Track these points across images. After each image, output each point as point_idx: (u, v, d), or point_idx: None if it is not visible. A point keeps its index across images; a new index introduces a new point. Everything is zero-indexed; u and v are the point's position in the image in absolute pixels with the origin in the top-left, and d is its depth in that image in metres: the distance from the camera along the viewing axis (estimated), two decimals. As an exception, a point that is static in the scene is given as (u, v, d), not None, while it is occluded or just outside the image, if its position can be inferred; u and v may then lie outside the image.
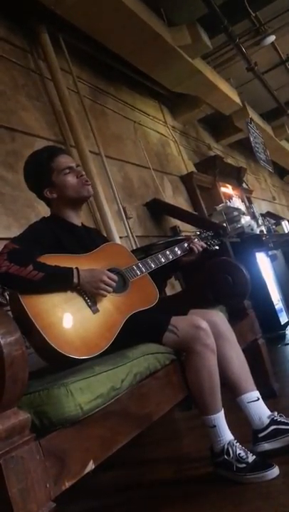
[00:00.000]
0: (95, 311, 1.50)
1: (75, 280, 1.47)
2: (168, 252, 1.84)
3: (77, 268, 1.48)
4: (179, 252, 1.88)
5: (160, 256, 1.81)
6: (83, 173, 1.79)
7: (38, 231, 1.64)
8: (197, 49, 4.67)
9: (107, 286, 1.51)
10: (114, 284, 1.54)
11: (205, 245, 1.95)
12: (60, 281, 1.46)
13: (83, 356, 1.35)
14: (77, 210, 1.82)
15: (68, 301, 1.46)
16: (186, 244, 1.91)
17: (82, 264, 1.54)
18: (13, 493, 0.85)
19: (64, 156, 1.79)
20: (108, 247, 1.80)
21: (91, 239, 1.81)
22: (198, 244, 1.92)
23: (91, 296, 1.52)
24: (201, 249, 1.92)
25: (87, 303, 1.49)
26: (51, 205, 1.81)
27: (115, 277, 1.56)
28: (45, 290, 1.42)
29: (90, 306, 1.49)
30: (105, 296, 1.53)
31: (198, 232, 2.04)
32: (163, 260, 1.81)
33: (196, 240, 1.94)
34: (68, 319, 1.42)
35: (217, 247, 2.05)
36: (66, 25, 3.66)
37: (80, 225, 1.83)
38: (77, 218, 1.82)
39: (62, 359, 1.33)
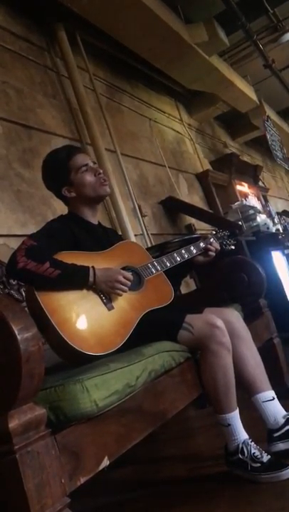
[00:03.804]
0: (110, 308, 1.50)
1: (91, 279, 1.47)
2: (183, 251, 1.83)
3: (93, 267, 1.49)
4: (194, 252, 1.86)
5: (176, 255, 1.80)
6: (101, 171, 1.79)
7: (56, 228, 1.65)
8: (214, 46, 4.65)
9: (122, 286, 1.51)
10: (129, 283, 1.54)
11: (219, 247, 1.93)
12: (76, 279, 1.46)
13: (98, 353, 1.36)
14: (94, 208, 1.81)
15: (84, 298, 1.46)
16: (202, 244, 1.89)
17: (97, 262, 1.54)
18: (28, 488, 0.86)
19: (81, 155, 1.79)
20: (124, 245, 1.81)
21: (107, 237, 1.81)
22: (215, 246, 1.90)
23: (107, 292, 1.52)
24: (217, 250, 1.91)
25: (102, 300, 1.50)
26: (69, 204, 1.81)
27: (131, 277, 1.56)
28: (61, 287, 1.43)
29: (105, 304, 1.50)
30: (121, 295, 1.53)
31: (214, 232, 2.02)
32: (178, 259, 1.79)
33: (212, 240, 1.92)
34: (84, 316, 1.42)
35: (233, 247, 2.03)
36: (83, 23, 3.67)
37: (96, 223, 1.83)
38: (94, 217, 1.82)
39: (77, 355, 1.34)
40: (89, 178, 1.74)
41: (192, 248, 1.86)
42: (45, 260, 1.40)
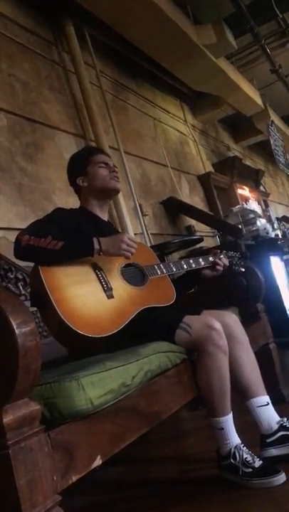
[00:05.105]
0: (110, 296, 1.51)
1: (96, 246, 1.49)
2: (191, 261, 1.85)
3: (97, 237, 1.51)
4: (202, 263, 1.88)
5: (183, 263, 1.82)
6: (116, 169, 1.86)
7: (59, 216, 1.67)
8: (222, 48, 4.65)
9: (129, 247, 1.53)
10: (135, 245, 1.56)
11: (228, 264, 1.94)
12: (82, 247, 1.48)
13: (91, 334, 1.36)
14: (103, 203, 1.86)
15: (85, 282, 1.48)
16: (211, 258, 1.90)
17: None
18: (20, 484, 0.85)
19: (104, 156, 1.89)
20: None
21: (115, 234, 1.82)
22: (223, 262, 1.91)
23: (109, 280, 1.53)
24: (225, 266, 1.91)
25: (103, 287, 1.51)
26: (80, 196, 1.87)
27: (136, 239, 1.57)
28: (67, 258, 1.46)
29: (105, 291, 1.51)
30: (129, 256, 1.54)
31: (224, 251, 2.03)
32: (185, 267, 1.82)
33: (221, 256, 1.93)
34: (83, 298, 1.43)
35: (243, 269, 2.03)
36: (92, 19, 3.66)
37: (105, 220, 1.86)
38: (103, 213, 1.86)
39: (71, 334, 1.34)
40: (103, 172, 1.82)
41: (200, 260, 1.88)
42: (47, 234, 1.43)
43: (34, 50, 3.24)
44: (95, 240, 1.50)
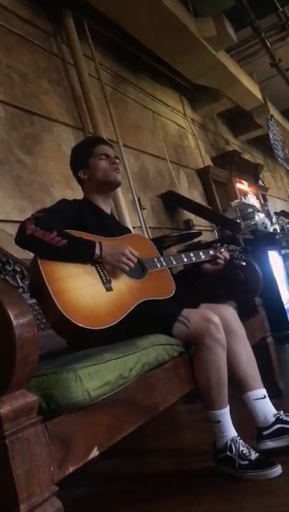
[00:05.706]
0: (109, 289, 1.51)
1: (97, 252, 1.49)
2: (192, 254, 1.84)
3: (100, 242, 1.51)
4: (203, 257, 1.87)
5: (183, 256, 1.81)
6: (117, 161, 1.84)
7: (64, 207, 1.67)
8: (222, 41, 4.63)
9: (128, 261, 1.53)
10: (135, 259, 1.55)
11: (228, 257, 1.93)
12: (83, 251, 1.49)
13: (89, 326, 1.36)
14: (105, 196, 1.85)
15: (84, 275, 1.48)
16: (211, 252, 1.89)
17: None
18: (17, 475, 0.85)
19: (105, 146, 1.87)
20: (133, 236, 1.86)
21: (117, 228, 1.84)
22: (224, 255, 1.90)
23: (108, 273, 1.53)
24: (226, 259, 1.91)
25: (102, 279, 1.51)
26: (83, 188, 1.87)
27: (137, 253, 1.56)
28: (66, 258, 1.45)
29: (104, 283, 1.51)
30: (126, 270, 1.54)
31: (225, 245, 2.02)
32: (186, 260, 1.81)
33: (222, 249, 1.92)
34: (81, 290, 1.44)
35: (244, 263, 2.02)
36: (91, 11, 3.64)
37: (108, 213, 1.85)
38: (106, 205, 1.85)
39: (70, 326, 1.35)
40: (103, 163, 1.81)
41: (201, 253, 1.87)
42: (53, 229, 1.43)
43: (33, 42, 3.21)
44: (97, 245, 1.50)
